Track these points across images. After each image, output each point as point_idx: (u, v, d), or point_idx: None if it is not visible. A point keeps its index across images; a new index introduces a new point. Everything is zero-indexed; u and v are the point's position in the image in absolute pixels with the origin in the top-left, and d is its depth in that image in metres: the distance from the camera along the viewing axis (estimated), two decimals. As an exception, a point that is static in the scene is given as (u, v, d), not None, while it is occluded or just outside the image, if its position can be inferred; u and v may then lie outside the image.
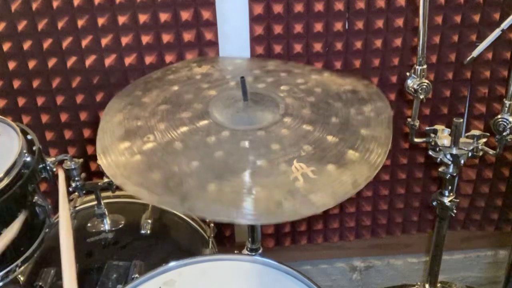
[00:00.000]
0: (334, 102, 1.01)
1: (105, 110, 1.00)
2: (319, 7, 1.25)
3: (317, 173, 0.82)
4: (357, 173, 0.84)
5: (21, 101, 1.33)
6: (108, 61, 1.29)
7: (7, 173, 0.93)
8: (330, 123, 0.94)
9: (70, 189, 1.17)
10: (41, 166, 1.05)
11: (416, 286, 1.44)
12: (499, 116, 1.08)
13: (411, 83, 1.14)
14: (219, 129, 0.90)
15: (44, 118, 1.36)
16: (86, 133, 1.39)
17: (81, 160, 1.16)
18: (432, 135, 1.16)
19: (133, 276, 1.03)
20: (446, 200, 1.20)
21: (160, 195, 0.79)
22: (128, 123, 0.93)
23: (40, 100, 1.33)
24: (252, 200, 0.78)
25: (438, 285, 1.38)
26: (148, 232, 1.16)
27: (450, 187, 1.19)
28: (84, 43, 1.27)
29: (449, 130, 1.14)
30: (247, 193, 0.79)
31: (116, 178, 0.82)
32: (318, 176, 0.82)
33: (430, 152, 1.16)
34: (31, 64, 1.28)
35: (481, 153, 1.13)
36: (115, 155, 0.86)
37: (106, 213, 1.21)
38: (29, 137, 1.05)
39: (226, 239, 1.59)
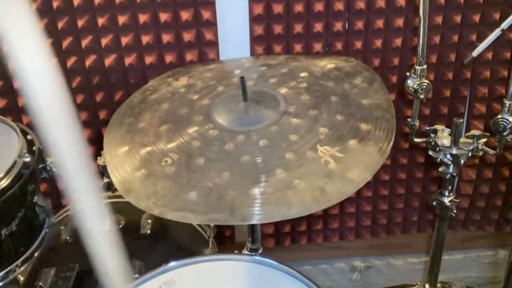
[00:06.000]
0: (325, 82, 1.02)
1: (104, 146, 0.96)
2: (319, 7, 1.25)
3: (343, 151, 0.84)
4: (378, 141, 0.86)
5: (21, 101, 1.33)
6: (108, 61, 1.29)
7: (7, 173, 0.93)
8: (332, 102, 0.95)
9: (70, 189, 1.17)
10: (41, 166, 1.05)
11: (416, 286, 1.44)
12: (499, 116, 1.08)
13: (411, 83, 1.14)
14: (232, 135, 0.90)
15: (44, 118, 1.35)
16: (86, 133, 1.39)
17: (81, 160, 1.16)
18: (432, 135, 1.16)
19: (133, 276, 1.03)
20: (446, 200, 1.20)
21: (207, 214, 0.77)
22: (137, 152, 0.91)
23: (40, 100, 1.33)
24: (297, 192, 0.78)
25: (438, 285, 1.38)
26: (148, 232, 1.17)
27: (450, 187, 1.19)
28: (84, 43, 1.27)
29: (449, 130, 1.14)
30: (289, 187, 0.79)
31: (153, 208, 0.80)
32: (346, 154, 0.83)
33: (430, 152, 1.16)
34: (31, 64, 1.28)
35: (481, 153, 1.13)
36: (140, 186, 0.84)
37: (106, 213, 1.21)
38: (29, 137, 1.05)
39: (226, 239, 1.59)
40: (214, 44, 1.29)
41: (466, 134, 1.14)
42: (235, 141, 0.88)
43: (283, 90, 1.00)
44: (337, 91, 0.98)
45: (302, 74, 1.05)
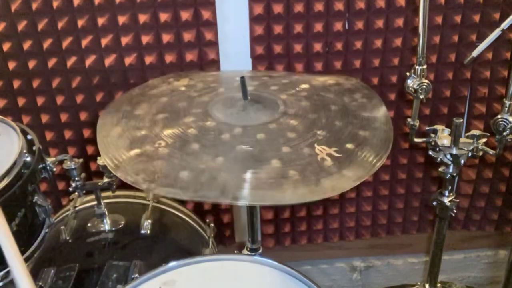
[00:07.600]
0: (325, 94, 1.04)
1: (97, 127, 0.98)
2: (319, 7, 1.25)
3: (341, 152, 0.86)
4: (375, 147, 0.89)
5: (21, 101, 1.33)
6: (108, 61, 1.29)
7: (7, 173, 0.93)
8: (332, 110, 0.98)
9: (70, 189, 1.17)
10: (41, 166, 1.05)
11: (416, 286, 1.44)
12: (499, 116, 1.08)
13: (411, 83, 1.14)
14: (229, 128, 0.91)
15: (44, 118, 1.36)
16: (86, 133, 1.39)
17: (81, 160, 1.16)
18: (432, 135, 1.16)
19: (133, 276, 1.03)
20: (446, 200, 1.20)
21: (197, 191, 0.79)
22: (131, 134, 0.93)
23: (40, 100, 1.33)
24: (292, 182, 0.80)
25: (438, 285, 1.38)
26: (148, 232, 1.16)
27: (450, 187, 1.19)
28: (84, 43, 1.27)
29: (449, 130, 1.14)
30: (284, 176, 0.81)
31: (140, 183, 0.82)
32: (343, 155, 0.86)
33: (430, 152, 1.16)
34: (31, 64, 1.28)
35: (481, 153, 1.13)
36: (130, 163, 0.85)
37: (106, 213, 1.21)
38: (29, 137, 1.05)
39: (226, 239, 1.59)
40: (214, 44, 1.29)
41: (466, 134, 1.14)
42: (232, 133, 0.89)
43: (284, 96, 1.01)
44: (337, 102, 1.00)
45: (302, 86, 1.07)
